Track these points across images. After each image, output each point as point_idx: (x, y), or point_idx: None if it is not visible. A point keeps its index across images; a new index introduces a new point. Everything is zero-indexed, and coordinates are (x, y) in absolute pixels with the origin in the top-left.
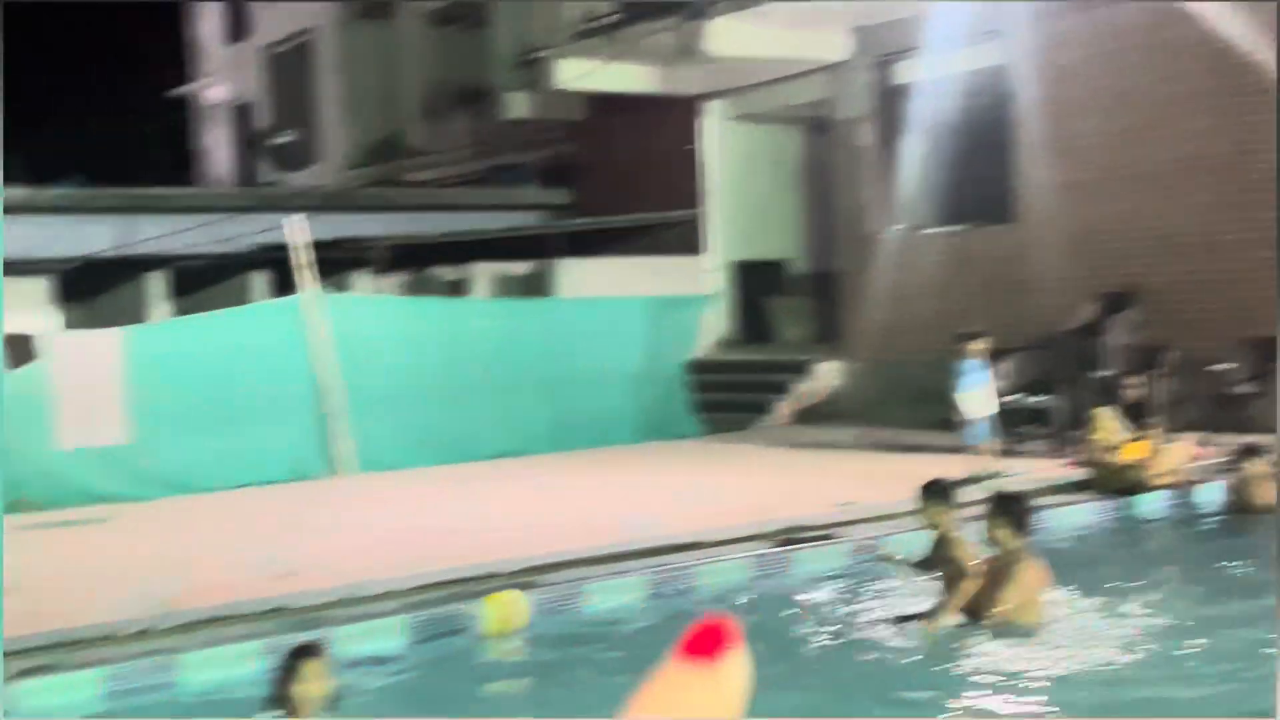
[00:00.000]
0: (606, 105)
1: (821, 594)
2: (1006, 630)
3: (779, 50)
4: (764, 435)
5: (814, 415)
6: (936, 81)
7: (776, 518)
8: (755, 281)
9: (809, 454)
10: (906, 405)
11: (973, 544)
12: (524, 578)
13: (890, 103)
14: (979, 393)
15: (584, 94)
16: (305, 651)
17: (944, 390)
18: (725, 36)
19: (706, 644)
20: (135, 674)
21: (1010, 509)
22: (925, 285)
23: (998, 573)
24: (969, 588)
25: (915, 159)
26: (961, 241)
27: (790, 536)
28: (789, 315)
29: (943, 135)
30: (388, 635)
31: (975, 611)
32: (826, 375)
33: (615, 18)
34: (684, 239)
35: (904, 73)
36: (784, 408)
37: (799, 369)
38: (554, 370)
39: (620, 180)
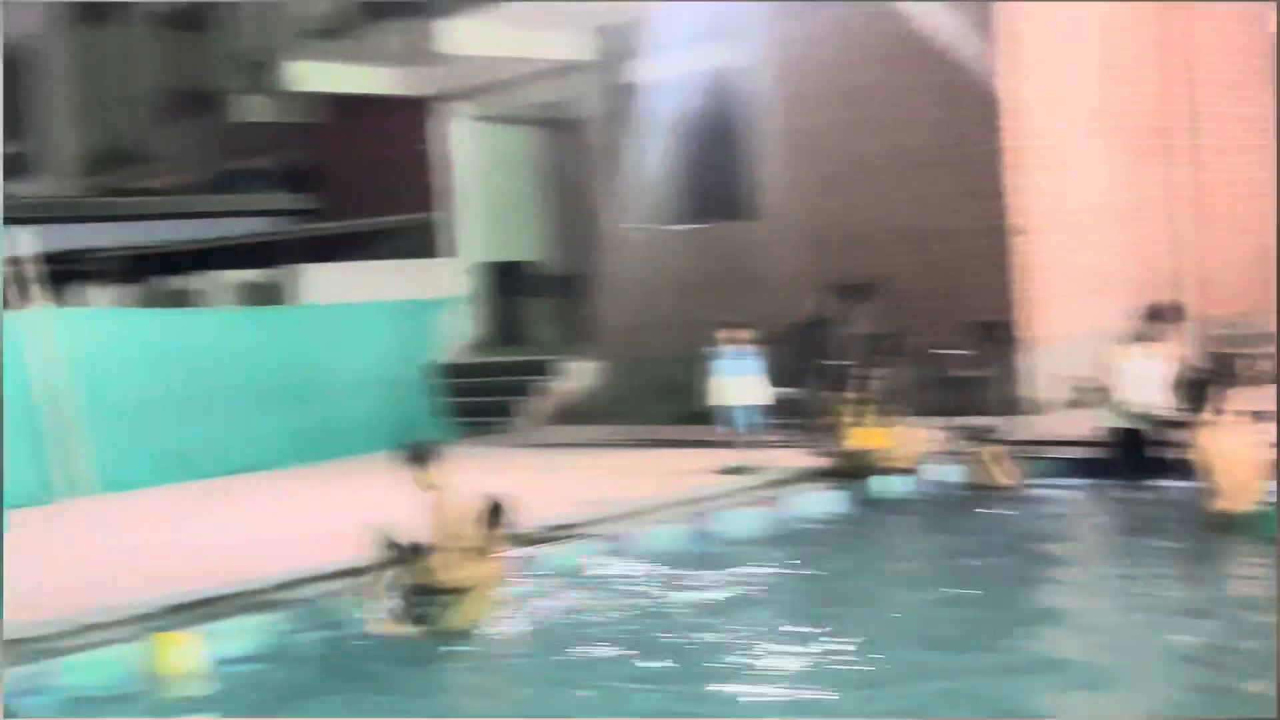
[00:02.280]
0: (345, 107)
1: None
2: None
3: (516, 49)
4: (516, 437)
5: (567, 415)
6: (675, 80)
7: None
8: (505, 283)
9: (560, 454)
10: (656, 401)
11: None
12: (269, 596)
13: (629, 102)
14: (743, 381)
15: (321, 96)
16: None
17: (692, 384)
18: (460, 36)
19: None
20: None
21: (496, 512)
22: (670, 283)
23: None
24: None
25: (656, 158)
26: (704, 238)
27: (534, 537)
28: (540, 316)
29: (682, 134)
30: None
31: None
32: (578, 375)
33: (345, 18)
34: (424, 242)
35: (642, 72)
36: (536, 409)
37: (551, 370)
38: (296, 380)
39: (362, 183)
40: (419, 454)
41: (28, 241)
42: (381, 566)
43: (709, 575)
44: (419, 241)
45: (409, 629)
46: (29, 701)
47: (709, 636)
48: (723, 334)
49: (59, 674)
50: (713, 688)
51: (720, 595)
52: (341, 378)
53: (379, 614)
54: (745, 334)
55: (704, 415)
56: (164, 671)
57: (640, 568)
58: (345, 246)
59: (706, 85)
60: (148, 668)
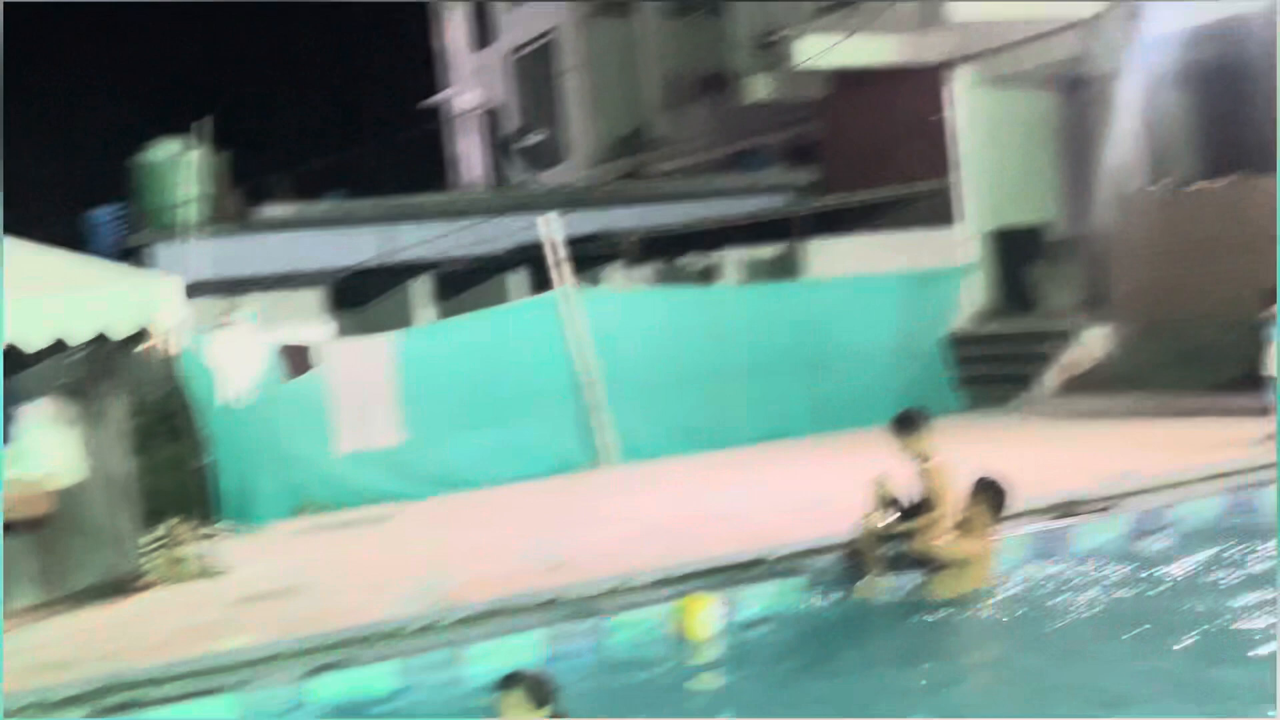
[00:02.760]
0: (849, 80)
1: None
2: None
3: (1026, 9)
4: (1031, 408)
5: (1081, 383)
6: (1185, 32)
7: (1051, 491)
8: (1014, 249)
9: (1081, 425)
10: (1179, 368)
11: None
12: (791, 563)
13: (1140, 57)
14: None
15: (826, 71)
16: (507, 682)
17: (1224, 350)
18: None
19: None
20: (424, 667)
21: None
22: (1189, 243)
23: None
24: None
25: (1174, 111)
26: (1224, 195)
27: (1067, 511)
28: (1051, 282)
29: (1196, 87)
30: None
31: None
32: (1094, 342)
33: None
34: (935, 211)
35: (1152, 25)
36: (1049, 377)
37: (1064, 337)
38: (810, 352)
39: (866, 156)
40: (909, 422)
41: (556, 226)
42: (877, 526)
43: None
44: (928, 211)
45: (892, 591)
46: (571, 664)
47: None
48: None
49: (598, 635)
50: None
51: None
52: (855, 349)
53: (870, 578)
54: None
55: (1240, 383)
56: (690, 634)
57: (1162, 543)
58: (853, 219)
59: (1219, 34)
60: (675, 630)
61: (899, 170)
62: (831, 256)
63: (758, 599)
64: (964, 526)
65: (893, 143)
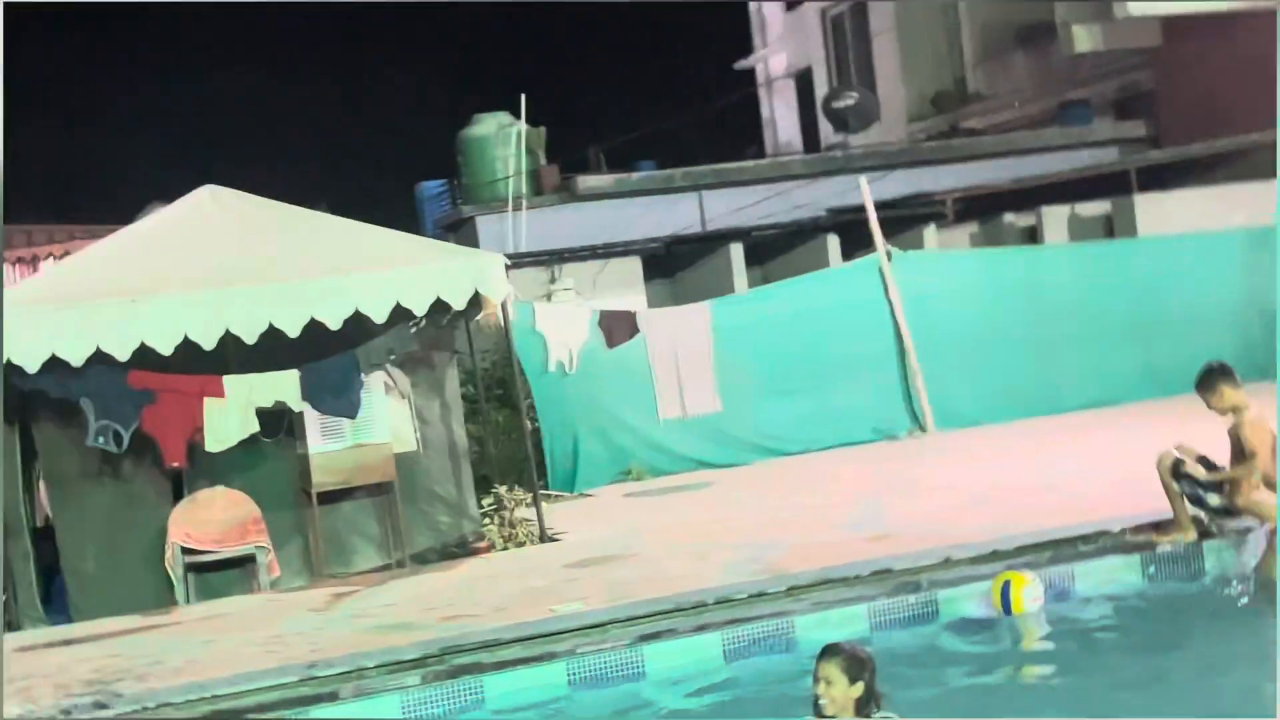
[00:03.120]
0: (1180, 26)
1: None
2: None
3: None
4: None
5: None
6: None
7: None
8: None
9: None
10: None
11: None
12: (1134, 537)
13: None
14: None
15: (1155, 19)
16: (826, 652)
17: None
18: None
19: None
20: (752, 636)
21: None
22: None
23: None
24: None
25: None
26: None
27: None
28: None
29: None
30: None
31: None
32: None
33: None
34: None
35: None
36: None
37: None
38: (1143, 314)
39: (1201, 106)
40: (1212, 376)
41: (868, 189)
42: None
43: None
44: (1266, 163)
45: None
46: (899, 634)
47: None
48: None
49: (929, 606)
50: None
51: None
52: (1191, 311)
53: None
54: None
55: None
56: (1015, 610)
57: None
58: (1183, 173)
59: None
60: (996, 605)
61: (1237, 121)
62: (1162, 213)
63: (1094, 575)
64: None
65: (1229, 91)
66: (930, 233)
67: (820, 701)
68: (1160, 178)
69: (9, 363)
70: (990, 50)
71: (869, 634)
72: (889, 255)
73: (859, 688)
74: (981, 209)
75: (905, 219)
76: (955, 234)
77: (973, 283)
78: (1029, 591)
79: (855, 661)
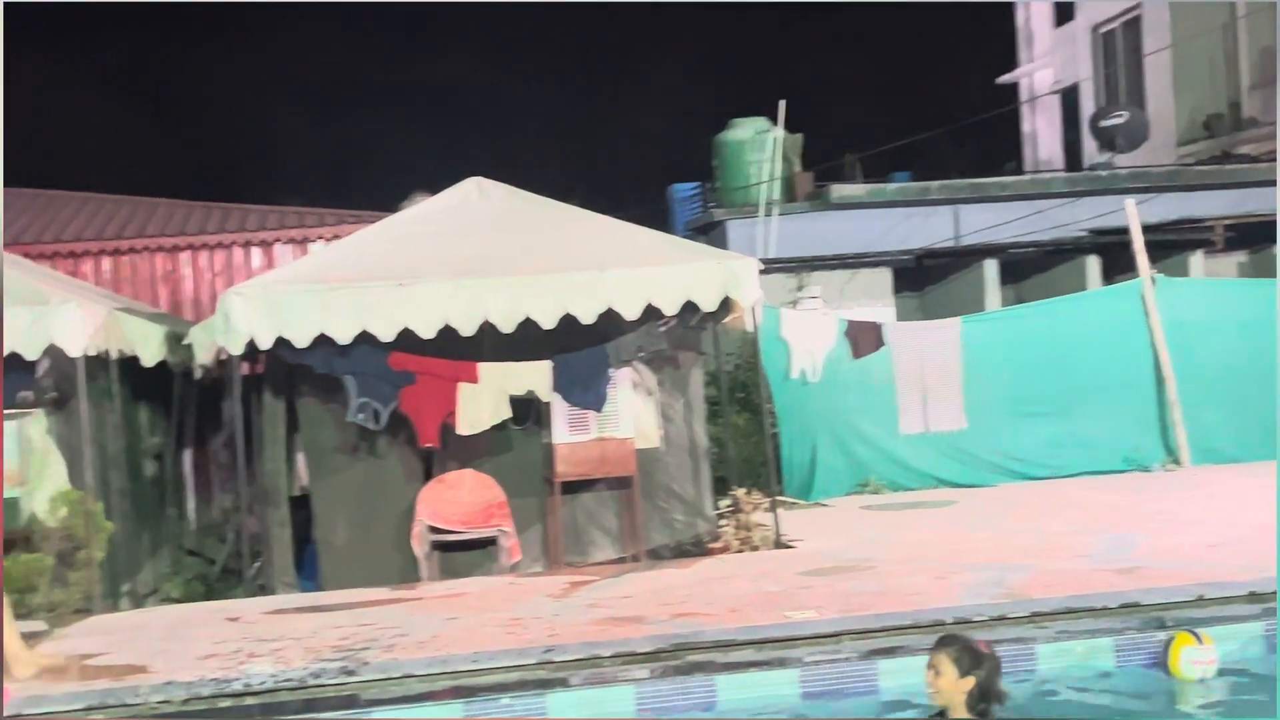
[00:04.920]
0: None
1: None
2: None
3: None
4: None
5: None
6: None
7: None
8: None
9: None
10: None
11: None
12: None
13: None
14: None
15: None
16: (942, 642)
17: None
18: None
19: None
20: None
21: None
22: None
23: None
24: None
25: None
26: None
27: None
28: None
29: None
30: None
31: None
32: None
33: None
34: None
35: None
36: None
37: None
38: None
39: None
40: None
41: (1134, 211)
42: None
43: None
44: None
45: None
46: (1144, 670)
47: None
48: None
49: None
50: None
51: None
52: None
53: None
54: None
55: None
56: (1172, 672)
57: None
58: None
59: None
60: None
61: None
62: None
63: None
64: None
65: None
66: (1196, 260)
67: (929, 690)
68: None
69: (279, 338)
70: (1268, 75)
71: (1113, 668)
72: (1153, 280)
73: (969, 681)
74: (1252, 238)
75: (1171, 244)
76: (1223, 262)
77: (1238, 314)
78: (1189, 653)
79: (969, 654)
